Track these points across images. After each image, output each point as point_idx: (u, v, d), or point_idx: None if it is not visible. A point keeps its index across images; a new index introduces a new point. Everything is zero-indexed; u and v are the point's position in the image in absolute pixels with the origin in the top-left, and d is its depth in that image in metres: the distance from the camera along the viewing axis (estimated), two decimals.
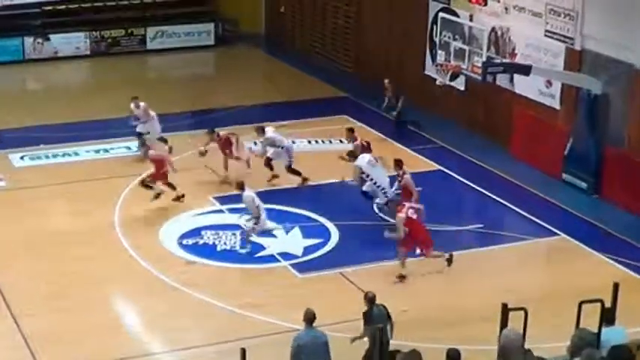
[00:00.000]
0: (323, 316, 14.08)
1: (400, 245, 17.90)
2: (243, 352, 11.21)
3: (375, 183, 20.05)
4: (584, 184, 22.07)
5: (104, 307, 17.16)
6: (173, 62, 33.10)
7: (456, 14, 25.52)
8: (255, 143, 23.05)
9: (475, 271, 18.49)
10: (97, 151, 24.12)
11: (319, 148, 24.54)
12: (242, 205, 19.43)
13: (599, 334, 11.40)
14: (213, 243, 19.44)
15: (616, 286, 12.17)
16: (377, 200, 20.34)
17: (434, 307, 17.07)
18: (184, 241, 19.47)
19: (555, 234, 20.05)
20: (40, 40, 32.16)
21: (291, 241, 19.60)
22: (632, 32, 20.86)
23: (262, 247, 19.25)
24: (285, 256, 18.97)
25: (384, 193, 20.03)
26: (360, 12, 30.65)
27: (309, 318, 13.14)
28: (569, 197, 21.76)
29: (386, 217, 20.05)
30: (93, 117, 26.14)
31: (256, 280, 18.25)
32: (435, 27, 25.80)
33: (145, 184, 20.87)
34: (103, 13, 33.40)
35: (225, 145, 22.18)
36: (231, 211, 20.21)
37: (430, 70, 27.02)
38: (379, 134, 25.37)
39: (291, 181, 22.12)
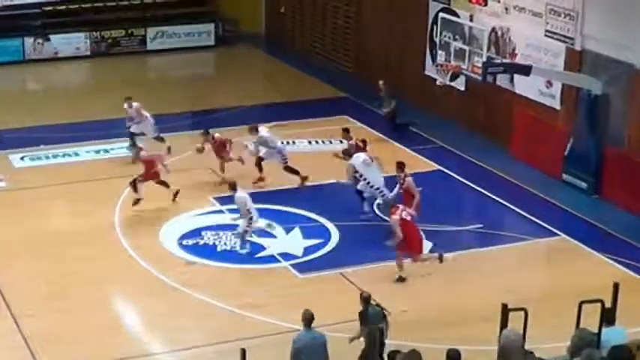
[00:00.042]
0: (323, 316, 14.10)
1: (397, 249, 17.86)
2: (243, 352, 11.21)
3: (368, 183, 20.05)
4: (584, 185, 22.07)
5: (104, 308, 17.17)
6: (173, 62, 33.10)
7: (456, 14, 25.52)
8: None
9: (475, 272, 18.49)
10: (97, 152, 24.12)
11: (319, 149, 24.53)
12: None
13: (599, 334, 11.40)
14: (214, 243, 19.44)
15: (616, 287, 12.18)
16: (377, 200, 20.35)
17: (434, 307, 17.07)
18: (184, 242, 19.47)
19: (555, 234, 20.05)
20: (40, 41, 32.16)
21: (292, 241, 19.60)
22: (632, 32, 20.86)
23: (262, 248, 19.25)
24: (286, 256, 18.96)
25: (380, 193, 20.01)
26: (360, 12, 30.65)
27: (308, 319, 13.15)
28: (570, 197, 21.76)
29: (386, 218, 20.03)
30: (93, 117, 26.14)
31: (256, 280, 18.25)
32: (435, 27, 25.80)
33: (133, 184, 20.71)
34: (103, 13, 33.40)
35: (220, 148, 22.12)
36: (232, 211, 20.16)
37: (430, 71, 27.02)
38: (379, 134, 25.38)
39: (292, 182, 22.11)
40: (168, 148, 23.25)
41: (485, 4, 24.97)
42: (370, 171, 20.12)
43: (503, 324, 11.31)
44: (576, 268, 18.62)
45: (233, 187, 19.30)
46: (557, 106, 23.23)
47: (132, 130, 23.59)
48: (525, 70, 22.22)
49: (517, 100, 24.24)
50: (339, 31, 31.80)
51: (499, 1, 24.55)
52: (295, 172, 22.04)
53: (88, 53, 32.90)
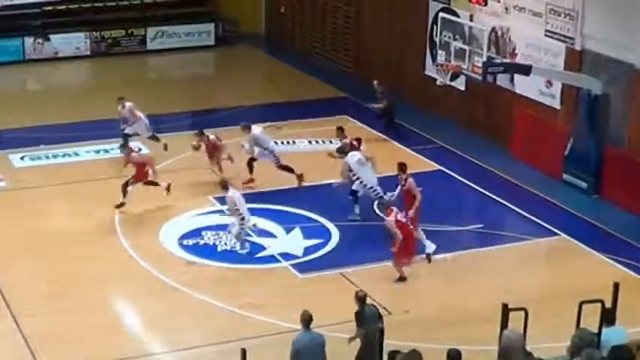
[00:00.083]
0: (323, 316, 14.11)
1: (394, 251, 17.83)
2: (244, 352, 11.21)
3: (361, 182, 20.05)
4: (584, 184, 22.06)
5: (104, 308, 17.17)
6: (173, 62, 33.10)
7: (456, 14, 25.52)
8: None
9: (475, 272, 18.49)
10: (97, 152, 24.12)
11: (319, 149, 24.51)
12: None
13: (599, 334, 11.41)
14: (214, 243, 19.44)
15: (616, 286, 12.18)
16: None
17: (434, 307, 17.07)
18: (185, 242, 19.47)
19: (555, 234, 20.05)
20: (40, 41, 32.16)
21: (292, 241, 19.60)
22: (632, 32, 20.86)
23: (263, 248, 19.25)
24: (286, 256, 18.96)
25: (374, 192, 20.00)
26: (360, 12, 30.65)
27: (306, 320, 13.15)
28: (570, 197, 21.76)
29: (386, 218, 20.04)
30: (93, 117, 26.13)
31: (257, 280, 18.23)
32: (435, 27, 25.80)
33: (124, 187, 20.66)
34: (103, 13, 33.40)
35: (213, 150, 22.07)
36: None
37: (430, 70, 27.02)
38: (379, 134, 25.38)
39: (291, 182, 22.09)
40: (165, 145, 23.21)
41: (485, 4, 24.97)
42: (364, 170, 20.13)
43: (504, 324, 11.31)
44: (576, 268, 18.62)
45: (224, 186, 19.32)
46: (558, 106, 23.23)
47: (126, 131, 23.47)
48: (525, 70, 22.22)
49: (517, 99, 24.24)
50: (339, 31, 31.80)
51: (499, 1, 24.55)
52: (289, 170, 22.00)
53: (88, 53, 32.91)
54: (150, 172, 20.98)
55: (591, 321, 11.67)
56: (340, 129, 22.22)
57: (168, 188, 20.91)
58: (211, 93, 29.40)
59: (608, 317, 11.86)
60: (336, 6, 31.77)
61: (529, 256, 19.44)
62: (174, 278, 17.92)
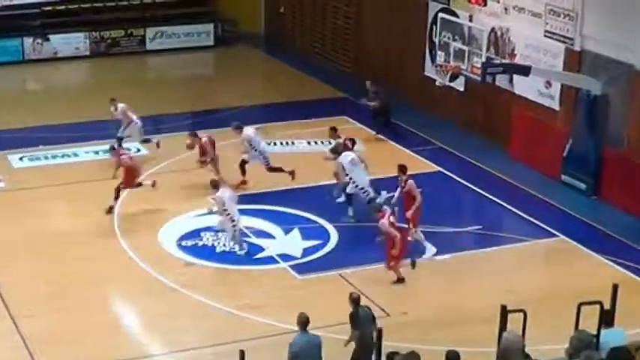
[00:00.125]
0: (322, 317, 14.13)
1: (386, 254, 17.82)
2: (242, 353, 11.20)
3: (353, 182, 20.05)
4: (583, 186, 22.06)
5: (103, 308, 17.18)
6: (173, 63, 33.09)
7: (455, 15, 25.51)
8: None
9: (474, 273, 18.50)
10: (97, 152, 24.08)
11: (319, 149, 24.48)
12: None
13: (598, 335, 11.40)
14: (212, 244, 19.44)
15: (615, 288, 12.17)
16: (378, 200, 20.33)
17: (433, 308, 17.07)
18: (183, 243, 19.47)
19: (554, 235, 20.04)
20: (39, 41, 32.15)
21: (291, 242, 19.60)
22: (632, 33, 20.86)
23: (261, 249, 19.25)
24: (285, 257, 18.95)
25: (365, 193, 19.99)
26: (360, 12, 30.65)
27: (303, 322, 13.19)
28: (568, 198, 21.75)
29: None
30: (92, 117, 26.08)
31: (255, 281, 18.23)
32: (434, 27, 25.78)
33: (117, 191, 20.61)
34: (102, 13, 33.40)
35: (205, 152, 21.95)
36: None
37: (430, 71, 27.01)
38: (379, 135, 25.35)
39: (288, 183, 22.03)
40: (157, 144, 23.19)
41: (485, 5, 24.97)
42: (356, 171, 20.15)
43: (503, 325, 11.32)
44: (575, 270, 18.61)
45: (215, 185, 19.33)
46: (557, 107, 23.23)
47: (118, 135, 23.32)
48: (525, 71, 22.21)
49: (516, 100, 24.24)
50: (339, 32, 31.80)
51: (498, 2, 24.55)
52: (279, 170, 21.89)
53: (88, 53, 32.90)
54: (136, 179, 20.92)
55: (590, 322, 11.66)
56: (333, 129, 22.16)
57: (153, 185, 20.89)
58: (211, 93, 29.39)
59: (607, 319, 11.86)
60: (336, 6, 31.77)
61: (528, 258, 19.44)
62: (173, 279, 17.92)
